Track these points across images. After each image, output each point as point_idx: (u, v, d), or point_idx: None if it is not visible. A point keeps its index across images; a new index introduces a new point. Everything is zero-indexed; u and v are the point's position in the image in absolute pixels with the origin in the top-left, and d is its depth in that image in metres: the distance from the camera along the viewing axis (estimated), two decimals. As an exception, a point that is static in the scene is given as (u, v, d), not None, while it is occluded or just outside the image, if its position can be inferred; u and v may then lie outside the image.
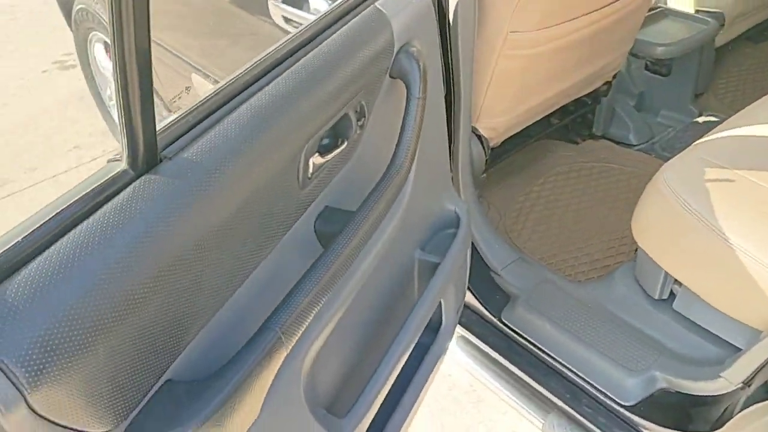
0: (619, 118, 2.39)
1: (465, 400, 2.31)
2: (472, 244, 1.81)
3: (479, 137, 1.86)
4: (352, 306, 1.21)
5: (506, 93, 1.77)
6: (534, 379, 1.66)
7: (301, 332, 0.93)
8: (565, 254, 1.96)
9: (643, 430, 1.47)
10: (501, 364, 1.75)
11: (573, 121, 2.32)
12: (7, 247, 0.67)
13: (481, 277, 1.78)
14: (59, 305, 0.66)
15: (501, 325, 1.72)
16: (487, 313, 1.75)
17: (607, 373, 1.54)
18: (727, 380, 1.33)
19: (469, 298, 1.77)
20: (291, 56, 1.03)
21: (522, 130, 2.34)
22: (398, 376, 1.45)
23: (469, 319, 1.80)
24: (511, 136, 2.34)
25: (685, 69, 2.40)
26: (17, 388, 0.62)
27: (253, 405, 0.89)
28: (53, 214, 0.72)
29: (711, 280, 1.43)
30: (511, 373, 1.73)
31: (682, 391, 1.46)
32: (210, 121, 0.89)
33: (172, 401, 0.81)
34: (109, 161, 0.81)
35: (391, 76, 1.19)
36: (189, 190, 0.80)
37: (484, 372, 1.80)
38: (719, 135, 1.57)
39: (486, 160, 1.91)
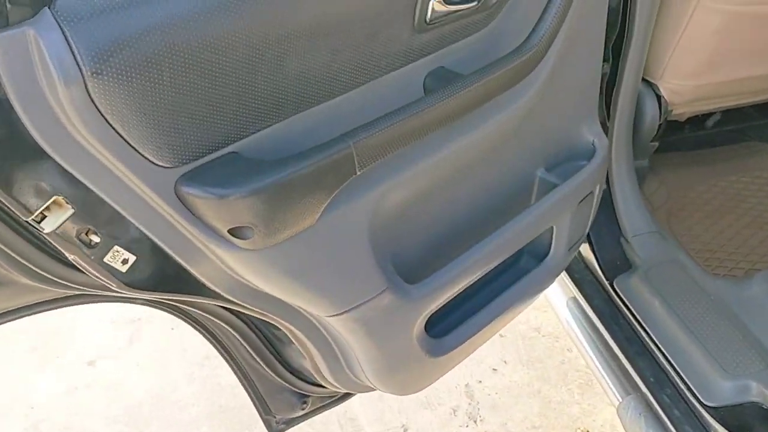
0: None
1: (573, 380, 2.19)
2: (611, 204, 1.69)
3: (658, 96, 1.72)
4: (456, 190, 1.20)
5: (698, 53, 1.60)
6: (625, 355, 1.53)
7: (375, 161, 0.92)
8: (720, 252, 1.75)
9: (713, 434, 1.29)
10: (599, 331, 1.63)
11: (796, 125, 2.03)
12: None
13: (608, 239, 1.66)
14: (143, 17, 0.70)
15: (611, 290, 1.60)
16: (601, 274, 1.63)
17: (701, 367, 1.37)
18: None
19: (589, 255, 1.67)
20: None
21: (735, 127, 2.12)
22: (488, 287, 1.43)
23: (582, 277, 1.70)
24: (721, 128, 2.13)
25: None
26: (78, 66, 0.67)
27: (310, 208, 0.91)
28: None
29: None
30: (605, 343, 1.60)
31: (776, 410, 1.26)
32: None
33: (231, 168, 0.84)
34: None
35: None
36: None
37: (581, 335, 1.69)
38: None
39: (660, 125, 1.76)
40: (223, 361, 2.30)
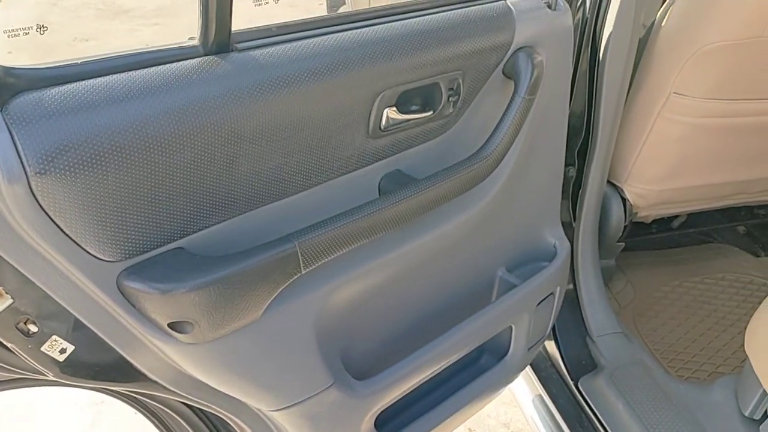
0: (821, 246, 2.10)
1: (542, 478, 2.14)
2: (577, 303, 1.72)
3: (623, 199, 1.77)
4: (409, 288, 1.21)
5: (661, 160, 1.66)
6: (589, 458, 1.52)
7: (320, 260, 0.93)
8: (684, 354, 1.77)
9: None
10: (562, 431, 1.62)
11: (759, 229, 2.09)
12: (68, 63, 0.76)
13: (573, 338, 1.68)
14: (91, 121, 0.73)
15: (576, 390, 1.60)
16: (566, 373, 1.64)
17: (662, 474, 1.36)
18: None
19: (555, 354, 1.68)
20: (401, 13, 1.04)
21: (700, 229, 2.18)
22: (446, 384, 1.43)
23: (548, 375, 1.70)
24: (686, 229, 2.18)
25: None
26: (23, 166, 0.70)
27: (253, 304, 0.91)
28: (120, 56, 0.80)
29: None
30: (570, 443, 1.59)
31: None
32: (292, 36, 0.92)
33: (174, 263, 0.85)
34: (189, 38, 0.88)
35: (504, 73, 1.18)
36: (249, 80, 0.84)
37: (546, 434, 1.68)
38: None
39: (625, 227, 1.80)
40: None
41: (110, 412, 2.38)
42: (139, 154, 0.77)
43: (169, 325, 0.86)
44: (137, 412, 1.18)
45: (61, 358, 0.87)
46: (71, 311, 0.84)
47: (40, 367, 0.87)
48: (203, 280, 0.83)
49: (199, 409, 1.20)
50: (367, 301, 1.15)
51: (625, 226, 1.81)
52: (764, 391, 1.32)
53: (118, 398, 1.13)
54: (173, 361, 0.94)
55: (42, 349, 0.85)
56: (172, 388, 0.98)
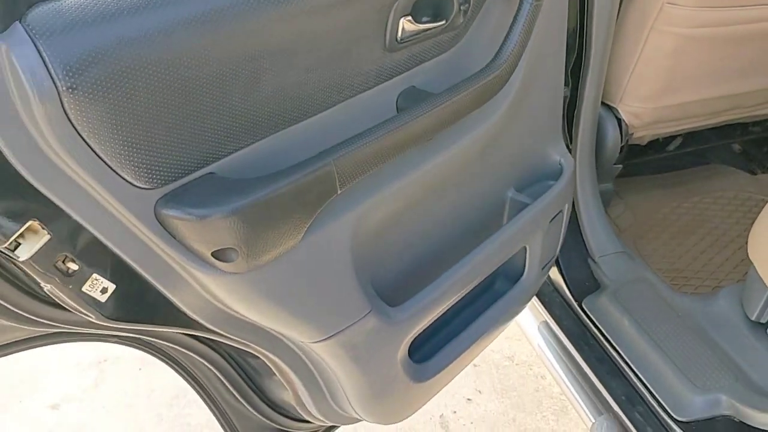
0: (816, 159, 2.09)
1: (548, 407, 2.17)
2: (577, 225, 1.71)
3: (618, 120, 1.75)
4: (429, 211, 1.18)
5: (655, 75, 1.64)
6: (596, 375, 1.52)
7: (355, 179, 0.90)
8: (687, 272, 1.77)
9: (687, 450, 1.28)
10: (570, 353, 1.62)
11: (753, 145, 2.07)
12: None
13: (575, 260, 1.67)
14: (113, 32, 0.68)
15: (579, 310, 1.60)
16: (569, 295, 1.64)
17: (671, 383, 1.37)
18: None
19: (557, 278, 1.67)
20: None
21: (695, 149, 2.16)
22: (466, 311, 1.42)
23: (551, 299, 1.70)
24: (681, 150, 2.17)
25: None
26: (53, 81, 0.64)
27: (293, 227, 0.88)
28: None
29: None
30: (577, 364, 1.59)
31: (746, 422, 1.25)
32: None
33: (211, 188, 0.81)
34: None
35: None
36: None
37: (553, 358, 1.68)
38: None
39: (622, 148, 1.78)
40: (192, 401, 2.25)
41: (113, 371, 2.38)
42: (165, 68, 0.72)
43: (213, 254, 0.82)
44: (145, 365, 1.15)
45: (103, 298, 0.82)
46: (110, 245, 0.79)
47: (81, 311, 0.82)
48: (243, 203, 0.79)
49: (226, 350, 1.17)
50: (391, 225, 1.12)
51: (621, 148, 1.79)
52: (770, 293, 1.32)
53: (140, 348, 1.10)
54: (215, 296, 0.91)
55: (83, 288, 0.80)
56: (212, 326, 0.95)
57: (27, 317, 0.84)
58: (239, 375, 1.21)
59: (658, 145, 2.12)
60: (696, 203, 2.01)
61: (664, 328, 1.47)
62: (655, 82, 1.66)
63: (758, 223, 1.39)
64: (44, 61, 0.64)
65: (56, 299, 0.81)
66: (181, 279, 0.87)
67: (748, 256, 1.38)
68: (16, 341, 0.95)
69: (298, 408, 1.24)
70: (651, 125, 1.79)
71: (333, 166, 0.86)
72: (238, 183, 0.82)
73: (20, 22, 0.64)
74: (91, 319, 0.84)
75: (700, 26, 1.54)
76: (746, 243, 1.78)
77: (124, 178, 0.74)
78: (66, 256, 0.77)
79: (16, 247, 0.74)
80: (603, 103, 1.72)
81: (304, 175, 0.84)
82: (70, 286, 0.79)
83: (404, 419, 1.33)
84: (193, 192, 0.80)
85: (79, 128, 0.68)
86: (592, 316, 1.56)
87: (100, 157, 0.71)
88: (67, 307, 0.84)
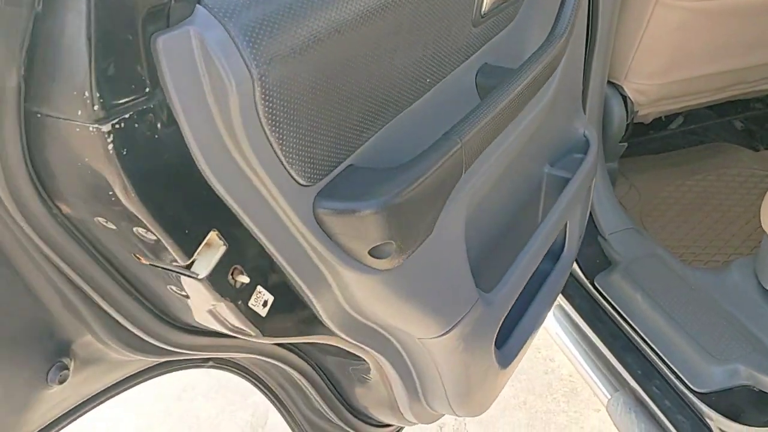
0: (818, 134, 2.10)
1: (558, 389, 2.17)
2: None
3: (624, 97, 1.75)
4: (502, 190, 1.17)
5: (660, 51, 1.64)
6: (611, 351, 1.52)
7: (475, 158, 0.88)
8: (695, 247, 1.77)
9: (707, 420, 1.28)
10: (582, 331, 1.62)
11: (755, 122, 2.08)
12: None
13: (585, 238, 1.66)
14: (287, 10, 0.64)
15: (591, 288, 1.60)
16: (581, 273, 1.63)
17: (688, 356, 1.37)
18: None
19: (568, 256, 1.67)
20: None
21: (697, 126, 2.17)
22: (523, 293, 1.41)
23: (562, 278, 1.69)
24: (684, 129, 2.17)
25: None
26: (248, 69, 0.60)
27: (433, 216, 0.85)
28: None
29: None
30: (590, 342, 1.59)
31: (766, 391, 1.25)
32: None
33: (357, 181, 0.77)
34: None
35: None
36: None
37: (565, 337, 1.68)
38: None
39: (628, 126, 1.78)
40: (200, 394, 2.23)
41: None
42: (334, 48, 0.68)
43: (371, 251, 0.77)
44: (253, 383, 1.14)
45: (264, 312, 0.76)
46: (272, 251, 0.73)
47: (242, 329, 0.76)
48: (398, 193, 0.75)
49: (315, 360, 1.13)
50: (481, 208, 1.09)
51: (626, 126, 1.79)
52: (784, 262, 1.33)
53: (228, 369, 1.08)
54: (353, 298, 0.86)
55: (249, 304, 0.74)
56: (340, 332, 0.91)
57: (156, 346, 0.79)
58: (325, 382, 1.18)
59: (660, 124, 2.12)
60: (700, 181, 2.02)
61: (678, 301, 1.47)
62: (661, 57, 1.66)
63: (769, 193, 1.39)
64: (237, 47, 0.59)
65: (216, 320, 0.74)
66: (326, 285, 0.83)
67: (761, 226, 1.38)
68: (125, 378, 0.90)
69: (383, 411, 1.21)
70: (656, 102, 1.79)
71: (461, 146, 0.83)
72: (382, 173, 0.78)
73: (199, 3, 0.58)
74: (250, 338, 0.78)
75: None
76: (753, 218, 1.78)
77: (291, 175, 0.69)
78: (236, 269, 0.70)
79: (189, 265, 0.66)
80: (608, 81, 1.72)
81: (440, 157, 0.80)
82: (239, 302, 0.72)
83: (487, 409, 1.30)
84: (343, 186, 0.75)
85: (263, 120, 0.63)
86: (604, 293, 1.56)
87: (275, 152, 0.66)
88: (203, 330, 0.78)
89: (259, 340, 0.80)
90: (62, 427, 0.86)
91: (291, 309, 0.81)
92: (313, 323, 0.86)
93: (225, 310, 0.71)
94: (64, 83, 0.53)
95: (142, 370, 0.91)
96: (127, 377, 0.89)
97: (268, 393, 1.17)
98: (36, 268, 0.68)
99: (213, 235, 0.66)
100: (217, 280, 0.67)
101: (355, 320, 0.92)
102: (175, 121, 0.58)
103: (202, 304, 0.71)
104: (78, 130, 0.54)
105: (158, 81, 0.56)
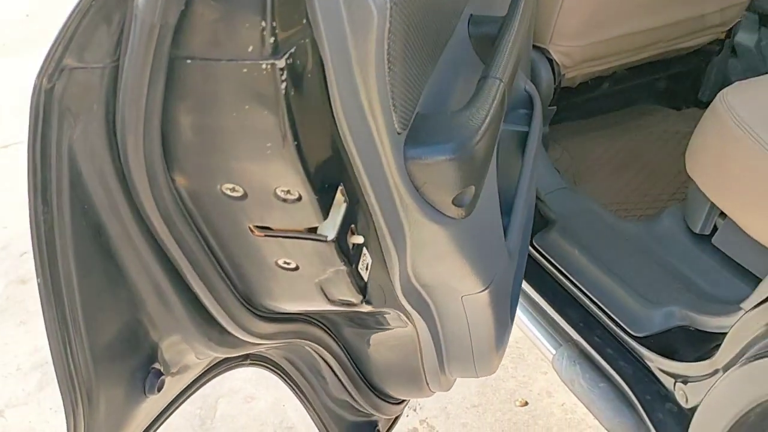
0: (734, 89, 2.18)
1: (506, 355, 2.19)
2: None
3: (550, 61, 1.77)
4: None
5: (582, 11, 1.67)
6: (553, 307, 1.55)
7: (509, 93, 0.88)
8: (628, 204, 1.81)
9: (647, 362, 1.32)
10: (524, 291, 1.64)
11: (677, 82, 2.14)
12: None
13: (522, 200, 1.69)
14: None
15: (532, 248, 1.62)
16: (520, 235, 1.65)
17: (625, 303, 1.40)
18: (744, 310, 1.16)
19: (506, 219, 1.69)
20: None
21: (620, 89, 2.22)
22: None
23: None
24: (609, 94, 2.22)
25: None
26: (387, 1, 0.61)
27: (490, 160, 0.85)
28: None
29: (757, 208, 1.26)
30: (533, 301, 1.62)
31: (701, 329, 1.29)
32: None
33: (437, 127, 0.76)
34: None
35: None
36: None
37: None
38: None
39: (556, 89, 1.81)
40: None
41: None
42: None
43: (454, 200, 0.77)
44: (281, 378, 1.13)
45: (366, 276, 0.74)
46: (373, 203, 0.71)
47: (348, 297, 0.74)
48: (475, 136, 0.74)
49: (338, 336, 1.11)
50: None
51: (555, 89, 1.82)
52: (711, 204, 1.37)
53: (266, 368, 1.07)
54: (422, 256, 0.85)
55: (359, 267, 0.71)
56: (401, 299, 0.90)
57: (235, 339, 0.77)
58: (350, 362, 1.16)
59: (588, 88, 2.17)
60: (628, 141, 2.07)
61: (614, 253, 1.50)
62: (583, 17, 1.69)
63: (693, 140, 1.43)
64: None
65: (321, 292, 0.72)
66: (403, 247, 0.82)
67: (686, 172, 1.42)
68: (191, 382, 0.87)
69: (406, 384, 1.21)
70: (581, 64, 1.82)
71: (501, 83, 0.83)
72: (451, 119, 0.77)
73: None
74: (353, 308, 0.76)
75: (622, -44, 1.58)
76: (679, 173, 1.84)
77: (393, 120, 0.68)
78: (351, 229, 0.68)
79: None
80: (534, 45, 1.75)
81: (492, 98, 0.80)
82: (353, 265, 0.70)
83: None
84: (423, 134, 0.74)
85: (386, 57, 0.62)
86: (543, 252, 1.59)
87: (390, 94, 0.65)
88: (278, 317, 0.77)
89: (362, 309, 0.78)
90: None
91: (379, 274, 0.80)
92: (389, 291, 0.85)
93: (337, 276, 0.69)
94: (235, 16, 0.48)
95: (203, 372, 0.89)
96: (192, 382, 0.87)
97: (294, 387, 1.17)
98: (136, 258, 0.64)
99: (339, 192, 0.64)
100: (342, 241, 0.66)
101: (412, 287, 0.92)
102: (321, 59, 0.56)
103: (312, 275, 0.69)
104: (245, 71, 0.50)
105: (307, 13, 0.54)
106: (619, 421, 1.35)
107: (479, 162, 0.77)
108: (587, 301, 1.47)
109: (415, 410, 2.04)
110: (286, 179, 0.57)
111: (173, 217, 0.62)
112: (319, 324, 0.98)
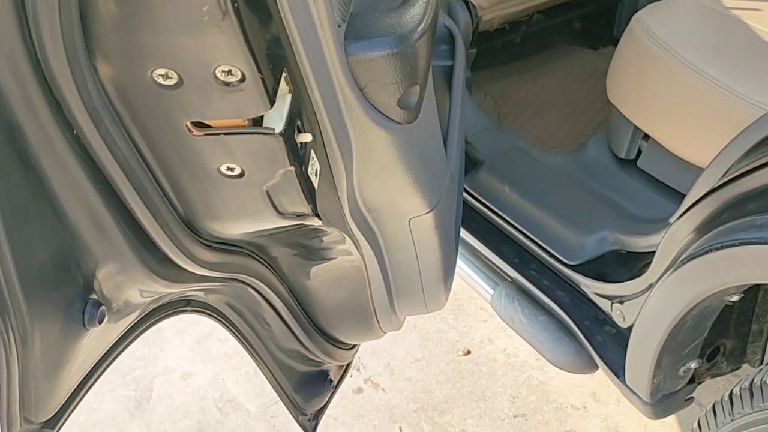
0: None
1: (445, 308, 2.18)
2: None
3: (466, 2, 1.74)
4: None
5: (494, -52, 1.64)
6: (488, 247, 1.53)
7: None
8: (553, 140, 1.81)
9: (583, 288, 1.32)
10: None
11: (592, 22, 2.16)
12: None
13: (448, 144, 1.66)
14: None
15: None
16: (448, 178, 1.63)
17: (558, 233, 1.40)
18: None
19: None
20: None
21: (537, 31, 2.22)
22: None
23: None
24: (527, 37, 2.22)
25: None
26: None
27: (430, 55, 0.84)
28: None
29: (678, 124, 1.27)
30: (467, 244, 1.60)
31: (633, 250, 1.30)
32: None
33: (371, 25, 0.75)
34: None
35: None
36: None
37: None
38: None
39: (473, 31, 1.79)
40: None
41: None
42: None
43: (399, 101, 0.75)
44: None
45: (316, 183, 0.71)
46: (317, 99, 0.68)
47: (299, 208, 0.71)
48: (418, 31, 0.74)
49: (280, 274, 1.07)
50: None
51: (473, 31, 1.79)
52: (634, 128, 1.37)
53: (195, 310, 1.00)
54: (368, 171, 0.84)
55: (308, 171, 0.69)
56: (349, 219, 0.88)
57: (180, 270, 0.72)
58: (298, 306, 1.13)
59: (505, 32, 2.16)
60: (549, 82, 2.07)
61: (543, 186, 1.50)
62: (495, -46, 1.66)
63: (612, 67, 1.43)
64: None
65: (270, 201, 0.68)
66: (350, 158, 0.80)
67: (608, 99, 1.43)
68: (131, 326, 0.80)
69: (356, 324, 1.19)
70: (497, 5, 1.81)
71: None
72: (387, 17, 0.75)
73: None
74: (303, 220, 0.72)
75: None
76: (602, 108, 1.85)
77: (334, 10, 0.66)
78: (298, 125, 0.65)
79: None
80: (449, -12, 1.71)
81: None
82: (302, 166, 0.66)
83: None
84: (362, 31, 0.72)
85: None
86: (474, 193, 1.57)
87: None
88: (224, 247, 0.74)
89: (312, 223, 0.75)
90: (94, 381, 0.76)
91: (327, 192, 0.79)
92: (337, 211, 0.83)
93: (286, 180, 0.65)
94: None
95: (145, 315, 0.82)
96: (134, 324, 0.80)
97: (239, 336, 1.11)
98: (66, 176, 0.56)
99: (284, 79, 0.61)
100: (290, 136, 0.63)
101: (359, 210, 0.91)
102: None
103: (259, 182, 0.65)
104: None
105: None
106: (561, 350, 1.35)
107: (422, 60, 0.76)
108: (521, 237, 1.46)
109: (358, 370, 2.01)
110: (227, 54, 0.53)
111: (100, 114, 0.55)
112: (262, 260, 0.94)
